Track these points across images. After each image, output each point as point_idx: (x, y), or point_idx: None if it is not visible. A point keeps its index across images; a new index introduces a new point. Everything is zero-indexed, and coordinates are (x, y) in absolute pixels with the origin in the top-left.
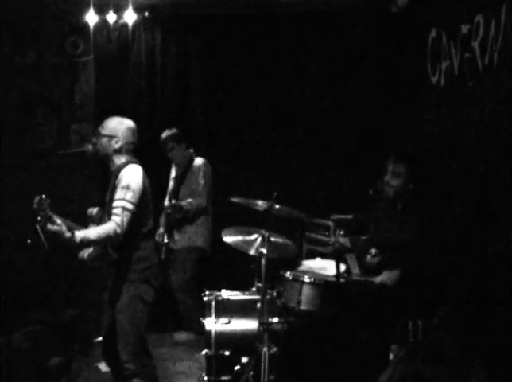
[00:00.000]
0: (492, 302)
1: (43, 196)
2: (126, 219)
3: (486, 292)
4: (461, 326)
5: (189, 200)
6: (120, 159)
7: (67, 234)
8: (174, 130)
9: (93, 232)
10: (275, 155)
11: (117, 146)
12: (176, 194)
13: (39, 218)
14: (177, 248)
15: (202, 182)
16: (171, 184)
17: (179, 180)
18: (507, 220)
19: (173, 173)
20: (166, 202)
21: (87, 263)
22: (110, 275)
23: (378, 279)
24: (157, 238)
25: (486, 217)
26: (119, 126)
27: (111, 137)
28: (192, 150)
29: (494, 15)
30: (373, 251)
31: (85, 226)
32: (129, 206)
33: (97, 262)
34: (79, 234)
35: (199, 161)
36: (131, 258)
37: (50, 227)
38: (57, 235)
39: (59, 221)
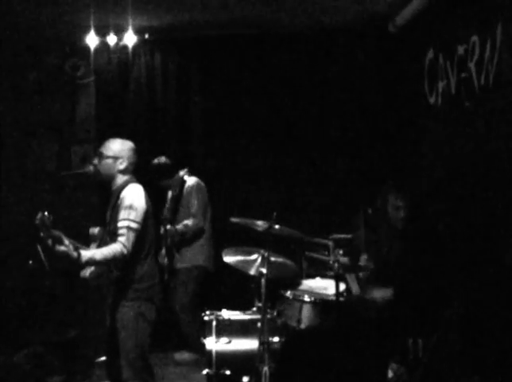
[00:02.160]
0: (490, 318)
1: (45, 213)
2: (131, 238)
3: (485, 308)
4: (460, 342)
5: (185, 222)
6: (122, 179)
7: (74, 254)
8: (158, 162)
9: (99, 253)
10: (274, 175)
11: (122, 166)
12: (173, 217)
13: (41, 234)
14: (178, 268)
15: (195, 202)
16: (167, 206)
17: (174, 202)
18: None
19: (169, 195)
20: (161, 229)
21: (89, 281)
22: (111, 294)
23: (369, 295)
24: (159, 259)
25: (486, 239)
26: (123, 147)
27: (116, 158)
28: (185, 170)
29: (489, 36)
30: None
31: (86, 246)
32: (134, 225)
33: (99, 280)
34: (86, 254)
35: (191, 181)
36: (133, 276)
37: (58, 247)
38: (64, 255)
39: (67, 242)
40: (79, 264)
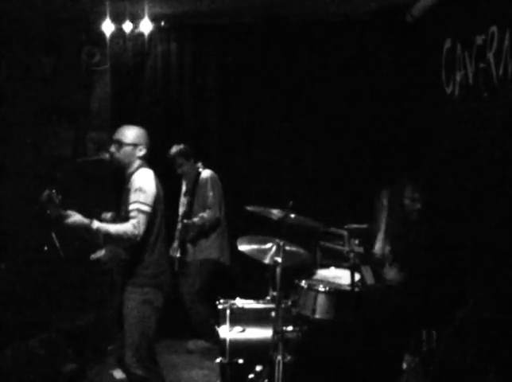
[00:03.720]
0: (506, 311)
1: (53, 191)
2: (142, 220)
3: (502, 300)
4: (476, 335)
5: (200, 214)
6: (136, 164)
7: (86, 220)
8: (182, 146)
9: (112, 226)
10: (290, 164)
11: (141, 153)
12: (189, 209)
13: (48, 211)
14: (190, 260)
15: (211, 194)
16: (182, 199)
17: (189, 194)
18: None
19: (184, 188)
20: (179, 224)
21: (100, 264)
22: (120, 279)
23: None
24: (170, 252)
25: (504, 230)
26: (141, 134)
27: (136, 145)
28: (199, 164)
29: (508, 26)
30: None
31: None
32: (144, 208)
33: (109, 264)
34: (98, 223)
35: (205, 173)
36: (141, 262)
37: (68, 219)
38: (77, 224)
39: (70, 212)
40: (91, 230)
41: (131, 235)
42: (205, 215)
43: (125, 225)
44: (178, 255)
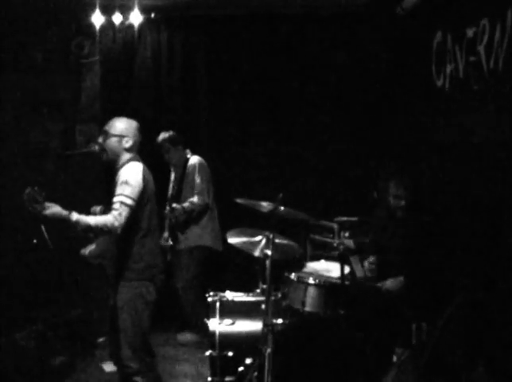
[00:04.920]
0: (497, 304)
1: (35, 188)
2: (124, 213)
3: (491, 295)
4: (465, 329)
5: (190, 199)
6: (125, 157)
7: (64, 212)
8: (170, 133)
9: (91, 218)
10: (280, 157)
11: (127, 145)
12: (177, 196)
13: (29, 208)
14: (182, 248)
15: (198, 180)
16: (171, 186)
17: (178, 181)
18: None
19: (173, 176)
20: (167, 208)
21: (89, 259)
22: (112, 274)
23: (383, 286)
24: (162, 242)
25: (494, 226)
26: (128, 126)
27: (122, 137)
28: (187, 150)
29: (499, 19)
30: (371, 258)
31: None
32: (128, 201)
33: (99, 259)
34: (77, 215)
35: (193, 159)
36: (132, 256)
37: (44, 212)
38: (55, 216)
39: (49, 204)
40: (70, 222)
41: (111, 227)
42: (194, 200)
43: (105, 217)
44: (170, 243)
